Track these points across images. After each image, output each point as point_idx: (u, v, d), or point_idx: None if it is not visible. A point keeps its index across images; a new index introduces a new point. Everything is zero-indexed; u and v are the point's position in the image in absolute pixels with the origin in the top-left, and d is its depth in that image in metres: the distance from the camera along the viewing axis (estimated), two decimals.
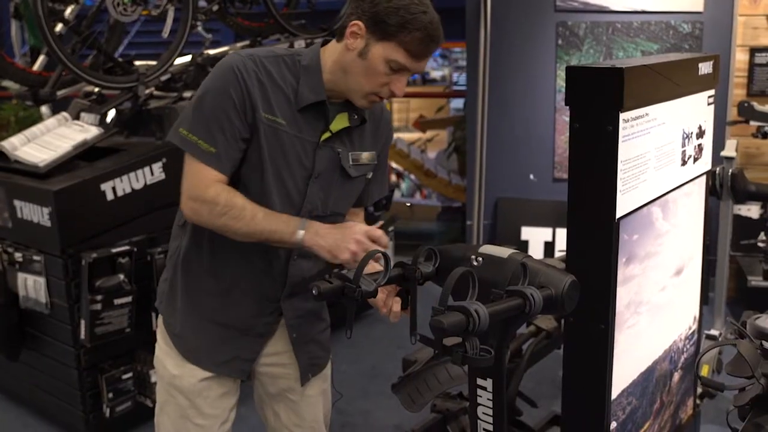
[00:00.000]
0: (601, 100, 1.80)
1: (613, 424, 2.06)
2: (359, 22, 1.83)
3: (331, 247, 1.83)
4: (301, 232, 1.86)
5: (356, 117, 1.99)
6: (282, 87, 1.90)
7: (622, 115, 1.80)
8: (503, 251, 1.56)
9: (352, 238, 1.82)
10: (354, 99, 1.93)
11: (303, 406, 2.21)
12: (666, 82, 2.00)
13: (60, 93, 3.70)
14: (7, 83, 3.91)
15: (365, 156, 2.05)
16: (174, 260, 2.10)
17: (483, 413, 1.63)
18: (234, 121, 1.85)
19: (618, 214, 1.86)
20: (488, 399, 1.61)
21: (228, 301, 2.04)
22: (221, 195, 1.86)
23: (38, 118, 4.29)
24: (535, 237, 5.18)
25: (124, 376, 3.40)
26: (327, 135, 1.96)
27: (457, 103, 11.70)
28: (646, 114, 1.92)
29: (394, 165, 8.64)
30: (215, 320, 2.06)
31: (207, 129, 1.85)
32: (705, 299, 2.60)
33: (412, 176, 8.99)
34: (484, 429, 1.65)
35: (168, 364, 2.10)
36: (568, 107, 1.85)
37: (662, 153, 2.06)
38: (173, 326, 2.10)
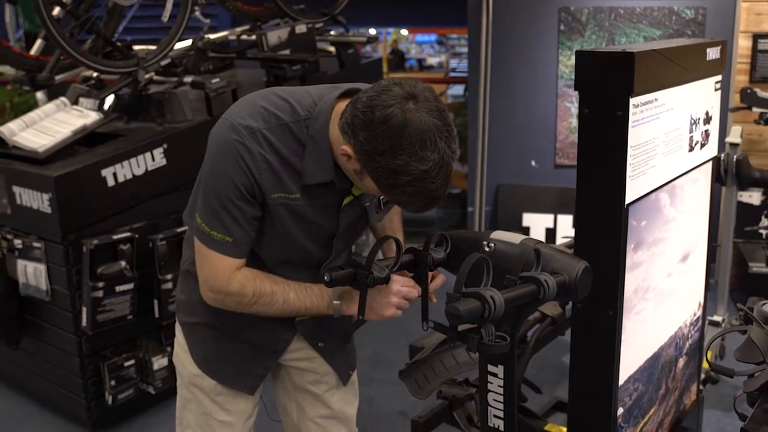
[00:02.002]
0: (612, 84, 1.79)
1: (620, 410, 2.06)
2: (353, 155, 1.60)
3: (374, 314, 1.76)
4: (337, 303, 1.79)
5: None
6: (290, 161, 1.72)
7: (632, 100, 1.79)
8: (515, 237, 1.55)
9: (387, 301, 1.74)
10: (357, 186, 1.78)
11: (329, 397, 2.15)
12: (675, 68, 1.99)
13: (58, 78, 3.68)
14: (2, 68, 3.89)
15: None
16: (185, 266, 2.01)
17: (494, 399, 1.62)
18: (243, 208, 1.72)
19: (627, 200, 1.85)
20: (499, 386, 1.60)
21: (242, 318, 1.93)
22: (247, 286, 1.76)
23: (34, 104, 4.26)
24: (537, 223, 5.17)
25: (126, 364, 3.39)
26: (350, 199, 1.82)
27: (455, 90, 11.68)
28: (656, 99, 1.91)
29: None
30: (228, 333, 2.00)
31: (218, 219, 1.72)
32: (706, 286, 2.60)
33: None
34: (494, 415, 1.64)
35: (187, 363, 2.04)
36: (570, 93, 1.83)
37: (670, 139, 2.05)
38: (188, 332, 2.04)
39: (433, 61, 18.22)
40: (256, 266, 1.81)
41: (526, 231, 5.15)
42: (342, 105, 1.67)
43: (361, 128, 1.55)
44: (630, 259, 1.93)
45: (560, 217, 5.11)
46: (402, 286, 1.74)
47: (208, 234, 1.73)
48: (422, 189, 1.55)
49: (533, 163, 5.21)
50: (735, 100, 4.53)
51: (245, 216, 1.72)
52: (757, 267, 4.34)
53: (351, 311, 1.79)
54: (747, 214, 4.37)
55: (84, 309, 3.19)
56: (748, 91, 4.07)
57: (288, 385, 2.16)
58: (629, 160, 1.83)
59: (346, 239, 1.90)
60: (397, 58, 15.88)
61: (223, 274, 1.75)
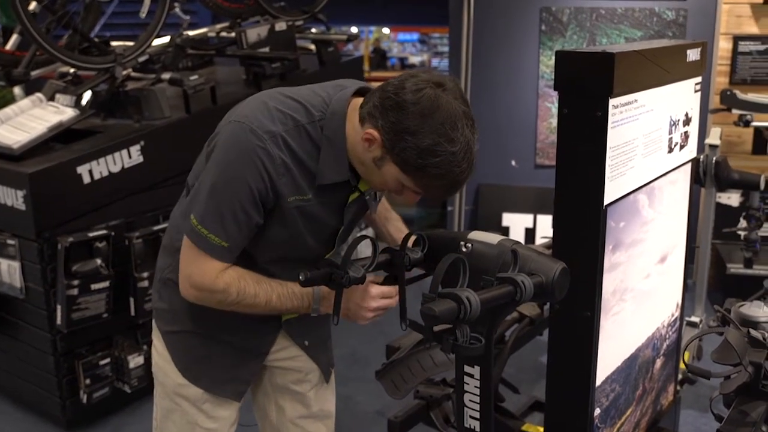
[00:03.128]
0: (591, 85, 1.79)
1: (597, 411, 2.06)
2: (378, 137, 1.62)
3: (351, 316, 1.77)
4: (317, 307, 1.80)
5: None
6: (306, 163, 1.71)
7: (612, 101, 1.78)
8: (493, 237, 1.54)
9: (365, 307, 1.74)
10: (368, 183, 1.80)
11: (311, 397, 2.15)
12: (655, 69, 1.99)
13: (34, 73, 3.63)
14: None
15: None
16: (164, 275, 1.98)
17: (470, 400, 1.61)
18: (251, 214, 1.69)
19: (606, 201, 1.85)
20: (475, 386, 1.59)
21: (227, 320, 1.92)
22: (232, 286, 1.74)
23: (11, 99, 4.21)
24: (516, 223, 5.18)
25: (102, 362, 3.36)
26: (356, 195, 1.83)
27: None
28: (635, 100, 1.91)
29: None
30: (212, 338, 1.97)
31: (220, 223, 1.68)
32: (684, 286, 2.61)
33: None
34: (470, 416, 1.63)
35: (170, 372, 1.99)
36: (550, 93, 1.83)
37: (650, 140, 2.05)
38: (169, 340, 2.00)
39: (415, 60, 18.22)
40: (244, 263, 1.79)
41: (505, 231, 5.16)
42: (357, 102, 1.70)
43: (392, 108, 1.58)
44: (608, 260, 1.93)
45: (540, 217, 5.12)
46: (382, 298, 1.74)
47: (204, 236, 1.69)
48: (449, 172, 1.58)
49: (513, 162, 5.22)
50: (715, 101, 4.56)
51: (249, 223, 1.70)
52: (735, 268, 4.37)
53: (330, 311, 1.78)
54: (726, 216, 4.39)
55: (59, 307, 3.16)
56: (728, 93, 4.10)
57: (268, 386, 2.15)
58: (608, 161, 1.82)
59: (346, 234, 1.91)
60: (379, 57, 15.88)
61: (211, 274, 1.72)
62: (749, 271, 3.70)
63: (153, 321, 2.04)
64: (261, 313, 1.81)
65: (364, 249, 1.90)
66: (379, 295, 1.73)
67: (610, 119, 1.79)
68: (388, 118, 1.58)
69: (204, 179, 1.70)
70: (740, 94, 4.06)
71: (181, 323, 1.94)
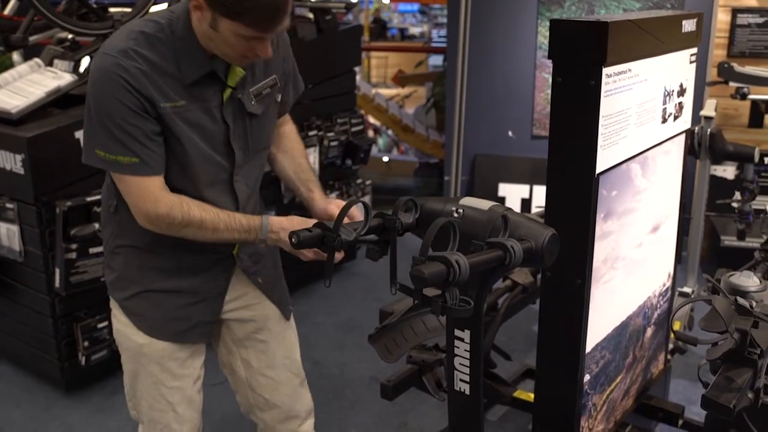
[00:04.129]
0: (585, 54, 1.80)
1: (587, 377, 2.10)
2: (201, 2, 1.72)
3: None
4: (263, 238, 1.91)
5: None
6: (167, 70, 1.81)
7: (605, 70, 1.80)
8: (484, 203, 1.56)
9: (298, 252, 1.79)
10: (230, 62, 1.86)
11: (273, 345, 2.22)
12: (649, 39, 2.00)
13: (32, 39, 3.62)
14: None
15: (265, 84, 2.00)
16: (111, 245, 2.05)
17: (460, 364, 1.64)
18: (139, 124, 1.79)
19: (598, 170, 1.87)
20: (465, 350, 1.62)
21: (179, 270, 2.02)
22: (175, 209, 1.84)
23: (9, 65, 4.20)
24: (513, 193, 5.20)
25: (100, 325, 3.39)
26: (229, 92, 1.91)
27: (435, 59, 11.65)
28: (629, 70, 1.92)
29: (371, 120, 8.59)
30: (168, 289, 2.04)
31: (119, 143, 1.78)
32: (678, 258, 2.64)
33: (390, 131, 8.96)
34: (460, 379, 1.66)
35: (131, 334, 2.07)
36: (548, 64, 1.84)
37: (643, 110, 2.06)
38: (127, 306, 2.07)
39: (415, 30, 18.11)
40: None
41: (501, 201, 5.18)
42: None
43: None
44: (600, 228, 1.95)
45: (536, 187, 5.14)
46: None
47: (114, 161, 1.80)
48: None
49: (510, 133, 5.22)
50: (712, 74, 4.55)
51: (144, 132, 1.79)
52: (728, 240, 4.40)
53: (275, 245, 1.95)
54: (721, 188, 4.40)
55: (57, 270, 3.19)
56: (726, 65, 4.09)
57: (230, 342, 2.22)
58: (601, 130, 1.84)
59: (242, 141, 1.97)
60: (379, 27, 15.77)
61: (148, 195, 1.82)
62: (742, 244, 3.72)
63: (109, 297, 2.11)
64: (212, 241, 1.91)
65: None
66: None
67: (604, 88, 1.80)
68: None
69: (87, 115, 1.82)
70: (738, 67, 4.05)
71: (136, 284, 2.03)
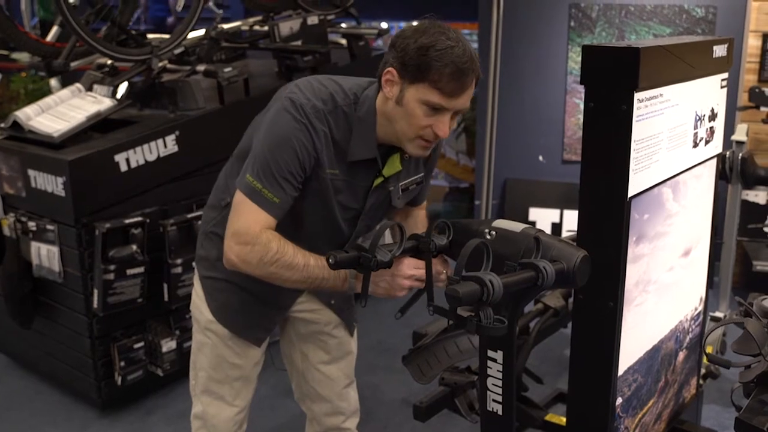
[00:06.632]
0: (617, 79, 1.81)
1: (619, 400, 2.09)
2: (392, 69, 1.82)
3: (385, 292, 1.86)
4: (353, 281, 1.89)
5: (407, 157, 2.02)
6: (339, 141, 1.92)
7: (637, 95, 1.81)
8: (516, 225, 1.59)
9: (400, 275, 1.82)
10: (405, 147, 1.93)
11: (332, 346, 2.34)
12: (680, 64, 2.01)
13: (73, 64, 3.71)
14: (18, 54, 3.93)
15: (413, 180, 2.10)
16: (209, 228, 2.19)
17: (492, 384, 1.66)
18: (297, 176, 1.88)
19: (630, 193, 1.88)
20: (498, 371, 1.64)
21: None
22: (273, 242, 1.86)
23: (48, 91, 4.30)
24: (543, 218, 5.20)
25: (136, 346, 3.44)
26: (380, 180, 2.01)
27: None
28: (661, 95, 1.93)
29: None
30: (242, 287, 2.14)
31: (274, 180, 1.86)
32: (710, 283, 2.63)
33: None
34: (493, 400, 1.68)
35: (203, 309, 2.21)
36: (578, 89, 1.87)
37: (675, 134, 2.07)
38: (205, 284, 2.21)
39: None
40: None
41: (531, 225, 5.17)
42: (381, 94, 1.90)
43: (396, 45, 1.83)
44: (631, 251, 1.96)
45: (566, 212, 5.13)
46: (415, 268, 1.82)
47: (259, 191, 1.86)
48: (450, 59, 1.74)
49: (541, 158, 5.23)
50: (743, 99, 4.54)
51: (295, 182, 1.88)
52: (761, 265, 4.36)
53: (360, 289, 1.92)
54: (752, 213, 4.38)
55: (95, 291, 3.24)
56: (757, 90, 4.09)
57: (293, 336, 2.35)
58: (633, 154, 1.85)
59: (369, 219, 2.07)
60: None
61: (257, 227, 1.86)
62: None
63: (195, 266, 2.27)
64: (297, 280, 1.88)
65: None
66: (413, 264, 1.82)
67: (635, 113, 1.82)
68: (395, 51, 1.81)
69: (257, 144, 1.90)
70: None
71: (217, 271, 2.14)
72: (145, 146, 3.42)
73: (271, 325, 2.27)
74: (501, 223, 1.61)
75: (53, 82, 4.33)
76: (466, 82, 1.79)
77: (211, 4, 4.26)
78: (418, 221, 2.29)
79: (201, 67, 3.91)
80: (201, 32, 4.17)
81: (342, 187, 1.97)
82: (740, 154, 3.32)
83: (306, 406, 2.46)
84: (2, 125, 3.57)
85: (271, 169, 1.85)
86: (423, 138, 1.86)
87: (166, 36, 3.90)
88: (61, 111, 3.50)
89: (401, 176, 2.06)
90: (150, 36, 4.06)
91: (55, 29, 3.85)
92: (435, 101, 1.79)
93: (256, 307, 2.18)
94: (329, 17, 4.86)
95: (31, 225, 3.40)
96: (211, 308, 2.20)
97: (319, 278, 1.87)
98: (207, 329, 2.22)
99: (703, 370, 2.78)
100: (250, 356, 2.25)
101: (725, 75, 2.36)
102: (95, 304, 3.26)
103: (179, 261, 3.42)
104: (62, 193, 3.21)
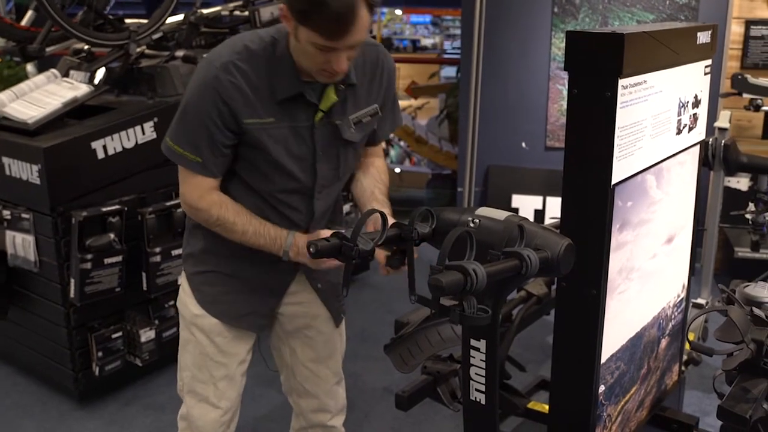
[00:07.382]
0: (601, 65, 1.80)
1: (601, 388, 2.09)
2: (284, 6, 1.80)
3: (314, 262, 1.94)
4: (286, 252, 2.01)
5: (343, 87, 1.99)
6: (260, 86, 1.91)
7: (621, 82, 1.80)
8: (500, 214, 1.57)
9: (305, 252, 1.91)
10: (318, 79, 1.92)
11: (319, 343, 2.33)
12: (665, 50, 2.00)
13: (49, 50, 3.66)
14: None
15: (366, 112, 2.07)
16: (192, 222, 2.18)
17: (475, 374, 1.64)
18: (213, 131, 1.92)
19: (613, 180, 1.87)
20: (481, 360, 1.62)
21: (248, 258, 2.11)
22: (213, 209, 1.99)
23: (24, 77, 4.23)
24: (526, 205, 5.20)
25: (114, 336, 3.41)
26: (320, 115, 1.99)
27: (448, 71, 11.67)
28: (645, 81, 1.92)
29: None
30: (232, 273, 2.16)
31: (191, 141, 1.94)
32: (692, 270, 2.63)
33: (402, 143, 8.97)
34: (476, 389, 1.66)
35: (190, 304, 2.21)
36: (562, 76, 1.85)
37: (658, 121, 2.06)
38: (193, 280, 2.20)
39: (427, 42, 18.15)
40: (250, 195, 2.03)
41: (514, 212, 5.17)
42: None
43: None
44: (615, 239, 1.95)
45: (549, 199, 5.14)
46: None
47: (181, 154, 1.96)
48: (326, 4, 1.69)
49: (524, 144, 5.23)
50: (726, 85, 4.54)
51: (215, 142, 1.93)
52: (742, 252, 4.38)
53: (296, 260, 2.02)
54: (734, 200, 4.39)
55: (72, 280, 3.21)
56: (739, 77, 4.09)
57: (280, 332, 2.34)
58: (617, 141, 1.84)
59: (328, 162, 2.05)
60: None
61: (196, 191, 1.99)
62: (756, 255, 3.71)
63: (182, 265, 2.27)
64: (239, 241, 2.02)
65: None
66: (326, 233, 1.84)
67: (619, 99, 1.80)
68: None
69: (179, 109, 1.98)
70: (751, 79, 4.05)
71: (206, 264, 2.17)
72: (123, 133, 3.38)
73: (268, 310, 2.25)
74: (484, 211, 1.59)
75: (29, 67, 4.27)
76: (349, 23, 1.74)
77: None
78: (381, 170, 2.28)
79: (180, 53, 3.86)
80: (180, 17, 4.11)
81: (285, 134, 1.96)
82: (723, 141, 3.31)
83: (293, 400, 2.46)
84: None
85: (187, 131, 1.94)
86: (325, 70, 1.86)
87: (144, 21, 3.84)
88: (36, 97, 3.44)
89: (348, 108, 2.03)
90: (128, 21, 4.00)
91: (30, 14, 3.79)
92: (321, 43, 1.77)
93: (251, 293, 2.18)
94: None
95: (6, 213, 3.35)
96: (198, 300, 2.19)
97: (256, 245, 2.01)
98: (192, 324, 2.21)
99: (685, 357, 2.78)
100: (235, 353, 2.23)
101: (709, 62, 2.35)
102: (72, 294, 3.22)
103: (158, 249, 3.38)
104: (37, 181, 3.16)
